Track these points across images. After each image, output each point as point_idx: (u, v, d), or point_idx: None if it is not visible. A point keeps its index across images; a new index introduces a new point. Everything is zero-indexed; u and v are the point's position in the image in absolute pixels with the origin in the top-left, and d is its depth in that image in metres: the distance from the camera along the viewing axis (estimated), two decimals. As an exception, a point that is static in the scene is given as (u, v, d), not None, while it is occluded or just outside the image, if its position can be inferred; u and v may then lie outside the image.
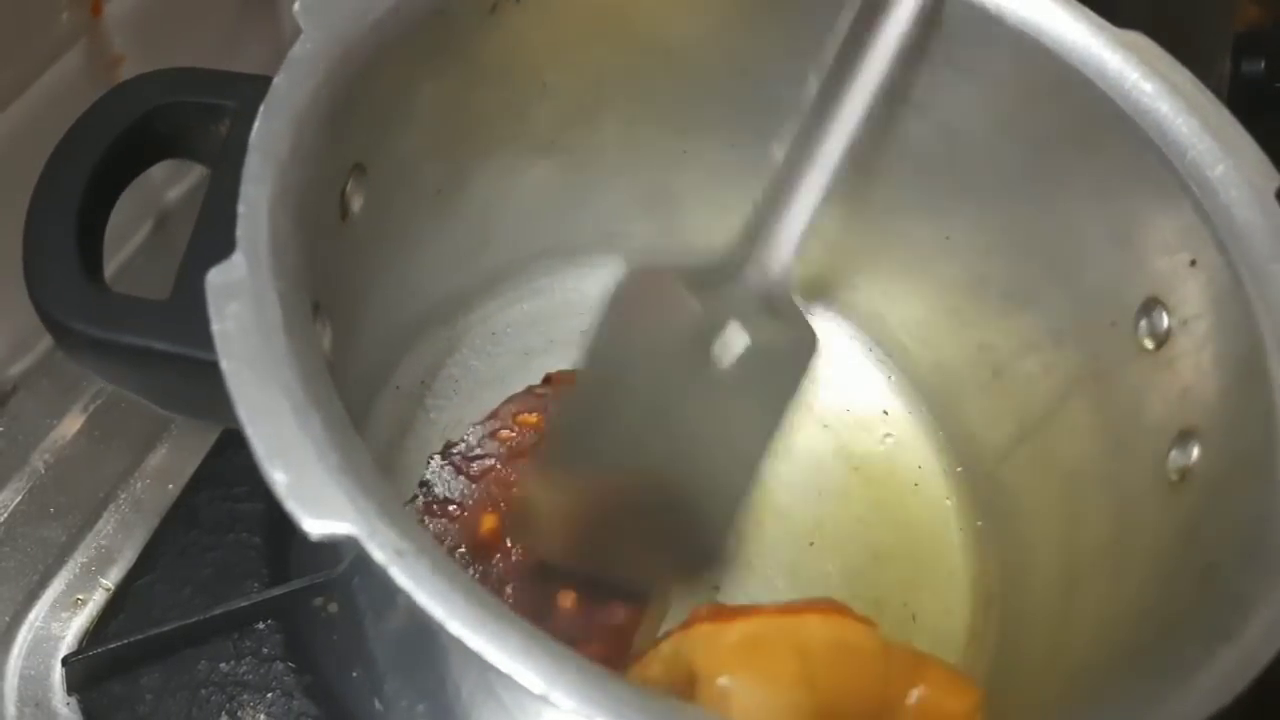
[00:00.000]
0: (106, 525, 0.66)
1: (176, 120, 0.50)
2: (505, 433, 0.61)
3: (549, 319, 0.69)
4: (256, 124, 0.44)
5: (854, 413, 0.67)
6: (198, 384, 0.44)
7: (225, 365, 0.39)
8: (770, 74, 0.62)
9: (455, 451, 0.60)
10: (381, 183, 0.53)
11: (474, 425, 0.62)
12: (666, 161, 0.67)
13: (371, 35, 0.49)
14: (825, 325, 0.71)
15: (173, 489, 0.66)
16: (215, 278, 0.41)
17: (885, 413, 0.69)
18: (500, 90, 0.59)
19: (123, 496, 0.67)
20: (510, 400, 0.63)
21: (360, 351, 0.58)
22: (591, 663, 0.38)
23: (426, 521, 0.57)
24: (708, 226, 0.68)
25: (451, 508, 0.58)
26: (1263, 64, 0.78)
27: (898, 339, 0.70)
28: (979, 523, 0.66)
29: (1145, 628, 0.48)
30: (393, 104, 0.52)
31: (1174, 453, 0.53)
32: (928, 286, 0.67)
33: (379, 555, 0.37)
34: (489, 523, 0.58)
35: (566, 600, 0.57)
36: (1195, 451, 0.52)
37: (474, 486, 0.59)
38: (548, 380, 0.64)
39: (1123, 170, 0.55)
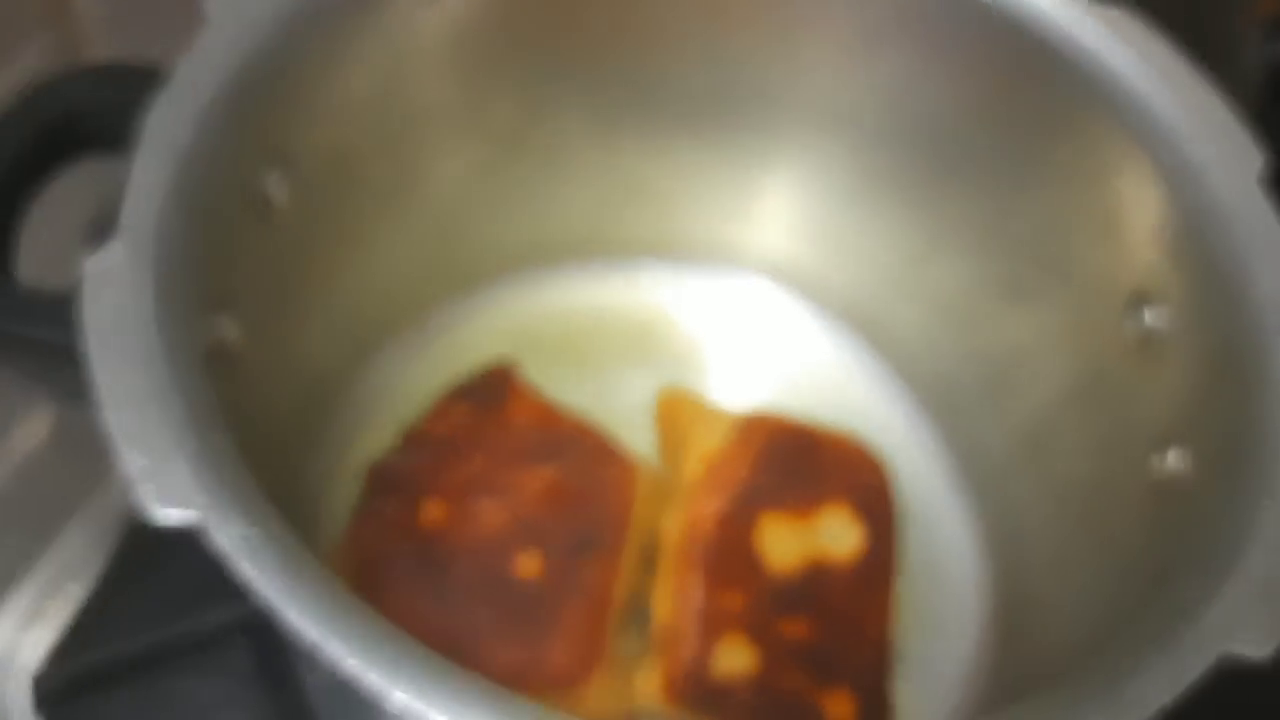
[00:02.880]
0: (73, 538, 0.65)
1: (95, 116, 0.49)
2: (439, 429, 0.60)
3: (524, 325, 0.67)
4: (151, 113, 0.44)
5: (852, 427, 0.63)
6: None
7: (90, 352, 0.39)
8: (738, 63, 0.61)
9: (390, 457, 0.59)
10: (315, 178, 0.52)
11: (406, 430, 0.60)
12: (640, 159, 0.65)
13: (286, 25, 0.48)
14: (830, 336, 0.69)
15: (142, 500, 0.66)
16: (92, 265, 0.41)
17: (886, 426, 0.66)
18: (449, 83, 0.58)
19: (90, 508, 0.66)
20: (440, 401, 0.62)
21: (315, 352, 0.58)
22: (434, 655, 0.38)
23: (369, 528, 0.56)
24: (688, 224, 0.67)
25: (392, 505, 0.57)
26: (1291, 48, 0.74)
27: (899, 348, 0.67)
28: (979, 543, 0.63)
29: (1098, 639, 0.46)
30: (317, 98, 0.52)
31: (1155, 457, 0.50)
32: (926, 290, 0.64)
33: (223, 543, 0.38)
34: (435, 509, 0.56)
35: (530, 566, 0.55)
36: (1173, 456, 0.49)
37: (412, 482, 0.57)
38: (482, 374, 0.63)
39: (1104, 154, 0.53)
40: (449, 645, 0.52)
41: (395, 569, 0.54)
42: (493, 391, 0.61)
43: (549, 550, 0.55)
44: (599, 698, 0.53)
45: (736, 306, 0.69)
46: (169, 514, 0.38)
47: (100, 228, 0.45)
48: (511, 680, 0.51)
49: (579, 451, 0.59)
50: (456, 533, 0.56)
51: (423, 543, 0.55)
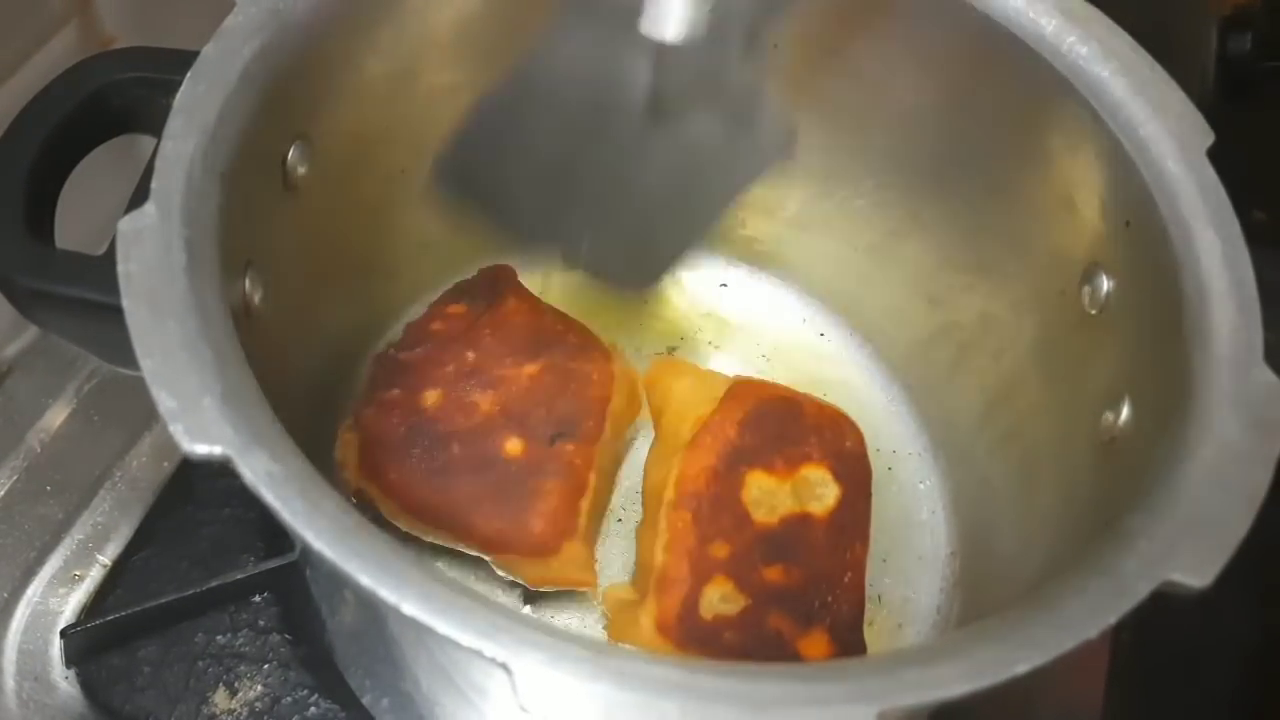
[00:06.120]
0: (103, 503, 0.68)
1: (128, 95, 0.52)
2: (436, 325, 0.64)
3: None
4: (182, 88, 0.47)
5: (832, 397, 0.66)
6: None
7: (126, 303, 0.42)
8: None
9: (392, 349, 0.64)
10: (333, 157, 0.56)
11: (408, 324, 0.65)
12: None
13: (309, 11, 0.51)
14: (804, 313, 0.73)
15: (168, 466, 0.68)
16: (125, 225, 0.43)
17: (863, 397, 0.69)
18: (459, 70, 0.61)
19: (118, 474, 0.68)
20: (439, 298, 0.66)
21: (331, 320, 0.62)
22: (439, 576, 0.39)
23: (373, 411, 0.61)
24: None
25: (394, 392, 0.61)
26: (1249, 43, 0.76)
27: (875, 323, 0.71)
28: (949, 503, 0.66)
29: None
30: (335, 79, 0.55)
31: (1108, 415, 0.52)
32: (900, 268, 0.67)
33: (248, 475, 0.40)
34: (431, 397, 0.61)
35: (514, 449, 0.60)
36: (1124, 411, 0.51)
37: (411, 372, 0.62)
38: (480, 273, 0.68)
39: (1064, 136, 0.55)
40: (443, 516, 0.58)
41: (397, 449, 0.59)
42: (488, 290, 0.66)
43: (533, 435, 0.61)
44: (569, 565, 0.59)
45: (727, 286, 0.73)
46: (198, 449, 0.39)
47: (134, 197, 0.48)
48: (494, 546, 0.58)
49: (564, 348, 0.64)
50: (451, 418, 0.61)
51: (421, 426, 0.60)
